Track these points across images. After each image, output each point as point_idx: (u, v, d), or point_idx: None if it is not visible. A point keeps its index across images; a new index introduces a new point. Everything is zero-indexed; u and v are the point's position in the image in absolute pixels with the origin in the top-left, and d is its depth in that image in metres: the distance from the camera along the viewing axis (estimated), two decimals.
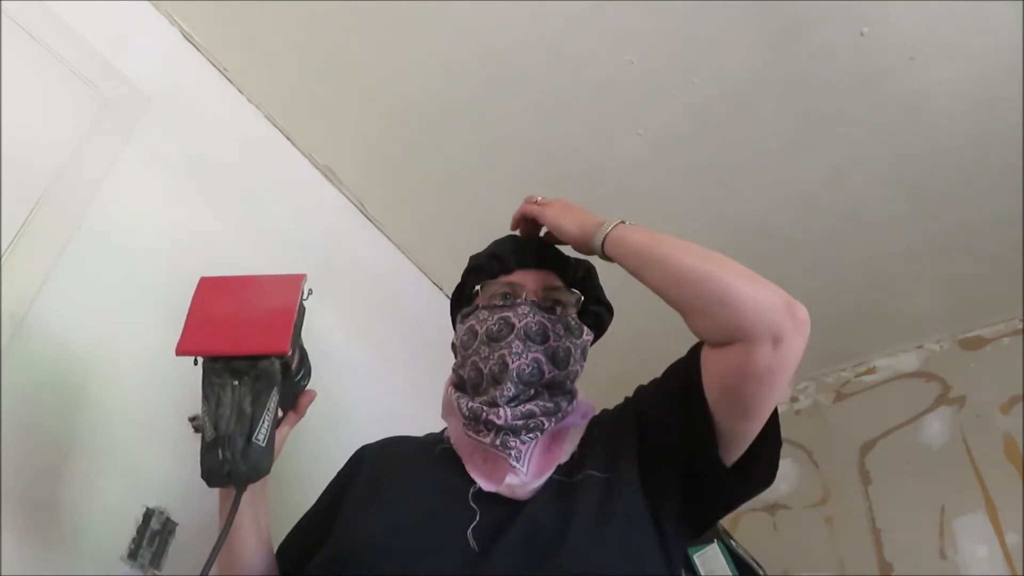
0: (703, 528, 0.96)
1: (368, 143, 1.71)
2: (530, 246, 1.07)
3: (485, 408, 0.91)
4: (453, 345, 1.06)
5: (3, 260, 1.05)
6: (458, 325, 1.06)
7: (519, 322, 0.95)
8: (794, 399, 2.28)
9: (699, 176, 1.72)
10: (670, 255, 0.88)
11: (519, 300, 0.99)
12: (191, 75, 1.52)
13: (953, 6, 1.39)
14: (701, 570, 1.67)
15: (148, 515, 1.12)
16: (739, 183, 1.73)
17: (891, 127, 1.61)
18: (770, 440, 0.89)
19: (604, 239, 0.93)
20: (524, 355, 0.93)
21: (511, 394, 0.91)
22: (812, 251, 1.88)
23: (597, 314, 1.08)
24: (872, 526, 1.97)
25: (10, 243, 1.07)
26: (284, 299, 0.87)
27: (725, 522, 1.94)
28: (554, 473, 0.90)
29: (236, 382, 0.82)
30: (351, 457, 1.08)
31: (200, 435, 0.83)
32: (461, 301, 1.10)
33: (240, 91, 1.61)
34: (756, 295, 0.83)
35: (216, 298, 0.88)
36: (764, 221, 1.81)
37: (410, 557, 0.81)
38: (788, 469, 2.17)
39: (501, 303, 1.00)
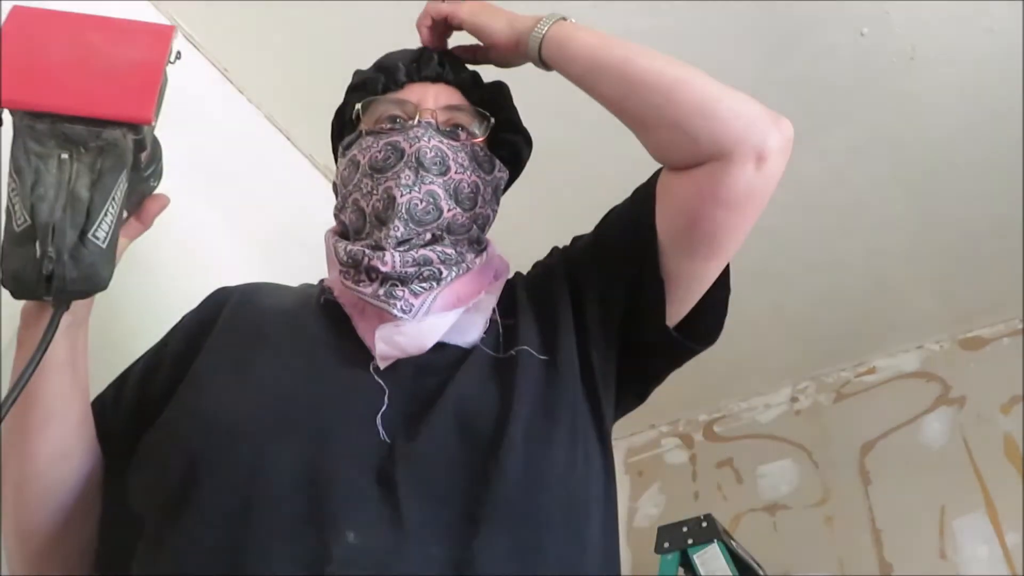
0: (641, 398, 0.84)
1: None
2: (426, 54, 0.86)
3: (367, 252, 0.73)
4: (334, 185, 0.86)
5: None
6: (339, 159, 0.86)
7: (410, 147, 0.76)
8: (794, 399, 2.28)
9: None
10: (630, 57, 0.74)
11: (411, 122, 0.79)
12: (191, 75, 1.52)
13: (953, 6, 1.39)
14: (701, 570, 1.67)
15: None
16: None
17: (891, 127, 1.61)
18: (720, 286, 0.78)
19: (543, 38, 0.79)
20: (417, 187, 0.74)
21: (399, 235, 0.73)
22: (812, 251, 1.88)
23: (512, 144, 0.90)
24: (872, 526, 1.97)
25: None
26: (147, 52, 0.64)
27: (725, 522, 1.94)
28: (481, 344, 0.74)
29: (65, 155, 0.60)
30: (207, 300, 0.85)
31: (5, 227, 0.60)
32: (343, 129, 0.89)
33: (240, 91, 1.61)
34: (740, 105, 0.72)
35: (44, 36, 0.62)
36: (764, 221, 1.80)
37: (295, 442, 0.63)
38: (788, 469, 2.17)
39: (389, 126, 0.80)
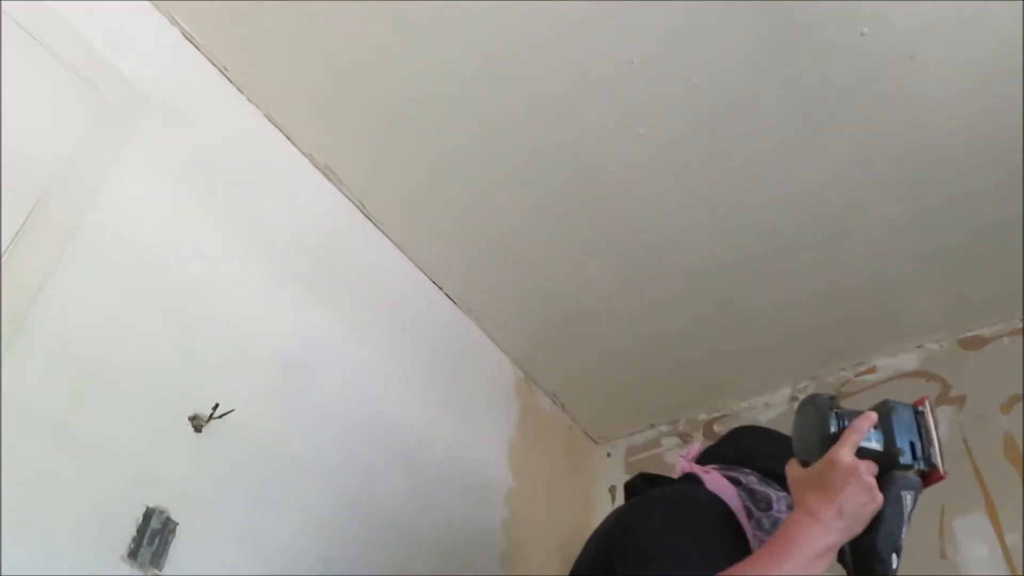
0: None
1: (368, 143, 1.71)
2: None
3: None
4: (760, 484, 1.20)
5: (3, 260, 1.05)
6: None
7: None
8: (794, 399, 2.28)
9: (699, 176, 1.72)
10: None
11: None
12: (191, 75, 1.52)
13: (953, 6, 1.39)
14: None
15: (148, 515, 1.13)
16: (739, 183, 1.73)
17: (891, 127, 1.61)
18: None
19: None
20: None
21: None
22: (812, 251, 1.88)
23: None
24: None
25: (10, 243, 1.07)
26: None
27: None
28: None
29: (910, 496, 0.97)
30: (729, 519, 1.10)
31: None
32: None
33: (240, 91, 1.61)
34: None
35: None
36: (765, 222, 1.81)
37: None
38: None
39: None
